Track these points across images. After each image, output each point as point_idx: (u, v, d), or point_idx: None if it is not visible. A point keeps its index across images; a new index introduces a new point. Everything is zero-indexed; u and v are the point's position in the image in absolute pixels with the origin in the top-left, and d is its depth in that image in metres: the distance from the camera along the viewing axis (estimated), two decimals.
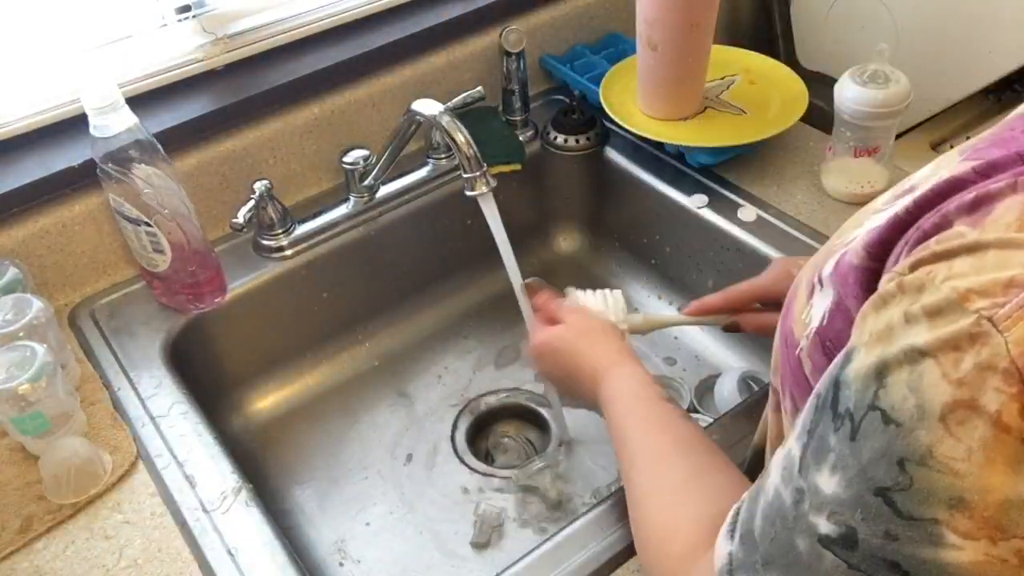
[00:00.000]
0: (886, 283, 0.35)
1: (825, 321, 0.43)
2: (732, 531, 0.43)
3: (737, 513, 0.43)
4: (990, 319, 0.30)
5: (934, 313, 0.31)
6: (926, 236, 0.35)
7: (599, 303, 0.73)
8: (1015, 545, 0.30)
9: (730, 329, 0.72)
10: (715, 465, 0.55)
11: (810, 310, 0.45)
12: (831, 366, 0.37)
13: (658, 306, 1.07)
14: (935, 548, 0.31)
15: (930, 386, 0.31)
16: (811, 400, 0.38)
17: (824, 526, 0.35)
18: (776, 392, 0.51)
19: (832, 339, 0.42)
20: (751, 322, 0.72)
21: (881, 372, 0.33)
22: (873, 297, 0.36)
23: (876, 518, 0.33)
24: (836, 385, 0.36)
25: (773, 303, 0.70)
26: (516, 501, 0.87)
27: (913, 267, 0.34)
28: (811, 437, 0.37)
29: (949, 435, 0.30)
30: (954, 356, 0.30)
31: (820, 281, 0.45)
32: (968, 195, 0.35)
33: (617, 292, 0.74)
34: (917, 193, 0.38)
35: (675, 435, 0.57)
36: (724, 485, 0.52)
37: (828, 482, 0.35)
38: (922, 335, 0.31)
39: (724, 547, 0.43)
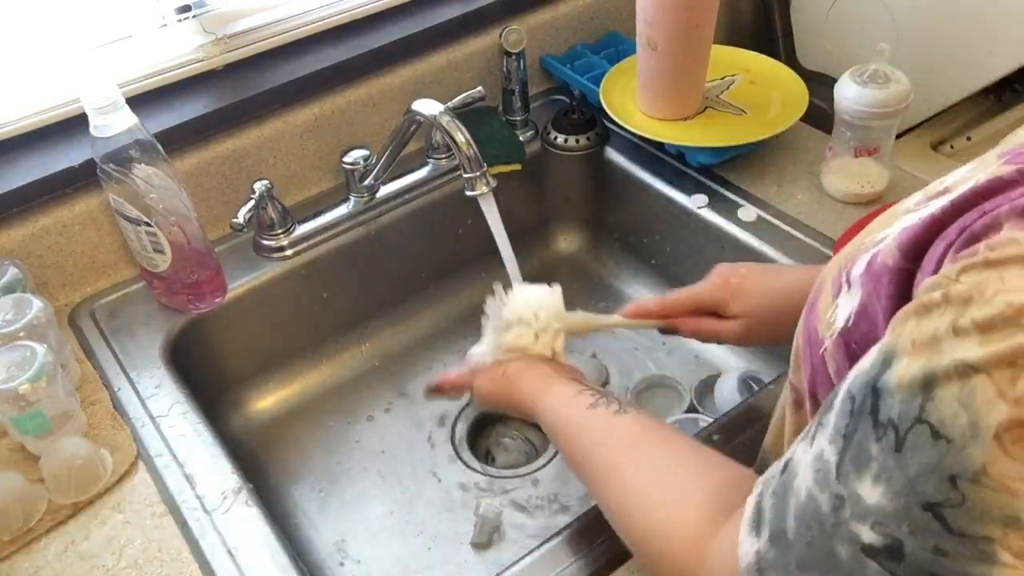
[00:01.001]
0: (929, 289, 0.34)
1: (851, 322, 0.42)
2: (756, 528, 0.42)
3: (759, 509, 0.42)
4: None
5: (986, 328, 0.31)
6: (975, 238, 0.34)
7: (535, 296, 0.70)
8: None
9: (667, 331, 0.73)
10: (680, 447, 0.54)
11: (835, 310, 0.44)
12: (862, 367, 0.36)
13: None
14: (987, 566, 0.31)
15: (984, 403, 0.30)
16: (842, 402, 0.37)
17: (867, 535, 0.35)
18: (796, 390, 0.51)
19: (857, 341, 0.41)
20: (689, 326, 0.72)
21: (928, 384, 0.32)
22: (915, 303, 0.35)
23: (924, 532, 0.32)
24: (875, 392, 0.35)
25: (709, 310, 0.71)
26: (516, 501, 0.87)
27: (961, 273, 0.33)
28: (848, 443, 0.36)
29: (1004, 454, 0.30)
30: (1011, 373, 0.30)
31: (848, 281, 0.44)
32: (1022, 199, 0.33)
33: (557, 288, 0.71)
34: (955, 194, 0.38)
35: (624, 436, 0.57)
36: (700, 465, 0.52)
37: (871, 492, 0.34)
38: (974, 350, 0.31)
39: (749, 544, 0.42)
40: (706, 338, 0.73)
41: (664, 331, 0.73)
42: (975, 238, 0.34)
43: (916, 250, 0.38)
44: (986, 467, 0.30)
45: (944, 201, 0.38)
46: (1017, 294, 0.30)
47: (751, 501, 0.43)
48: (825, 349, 0.45)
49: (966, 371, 0.31)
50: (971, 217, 0.35)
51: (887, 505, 0.34)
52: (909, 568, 0.33)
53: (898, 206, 0.46)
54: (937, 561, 0.32)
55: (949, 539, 0.32)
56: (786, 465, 0.41)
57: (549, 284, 0.71)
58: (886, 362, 0.35)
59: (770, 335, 0.70)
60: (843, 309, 0.43)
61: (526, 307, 0.69)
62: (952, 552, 0.32)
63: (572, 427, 0.60)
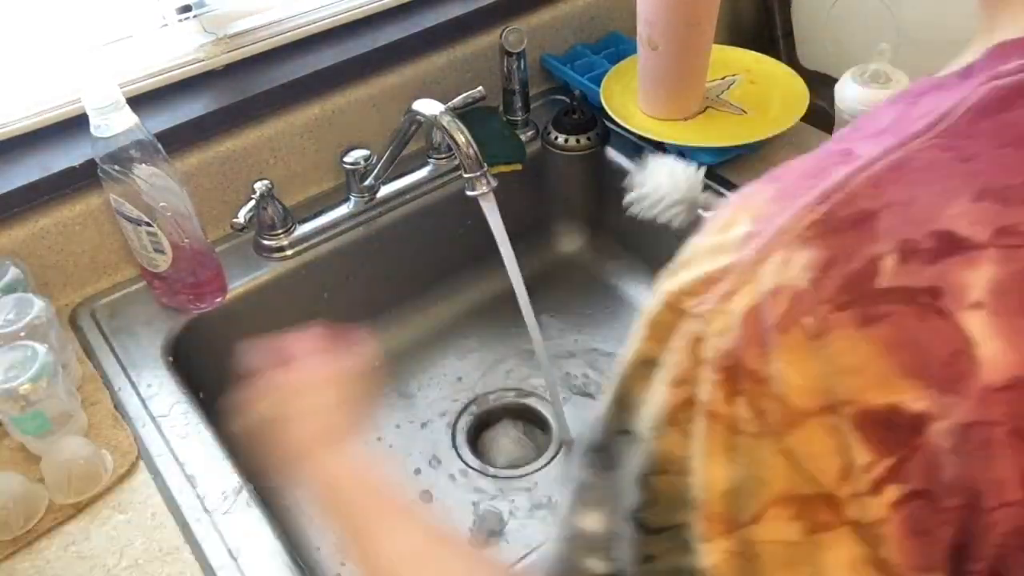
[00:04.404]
0: None
1: None
2: None
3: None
4: (697, 315, 0.30)
5: (656, 323, 0.31)
6: None
7: (676, 169, 0.77)
8: (741, 535, 0.29)
9: None
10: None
11: None
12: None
13: None
14: (687, 555, 0.30)
15: (659, 393, 0.30)
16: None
17: (599, 567, 0.34)
18: None
19: None
20: None
21: (625, 392, 0.32)
22: None
23: (633, 543, 0.32)
24: (592, 426, 0.35)
25: None
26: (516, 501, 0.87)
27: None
28: (576, 482, 0.36)
29: (681, 435, 0.30)
30: (675, 359, 0.30)
31: None
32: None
33: (699, 168, 0.77)
34: None
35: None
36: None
37: (591, 521, 0.34)
38: (647, 344, 0.31)
39: None
40: None
41: None
42: None
43: None
44: (667, 454, 0.30)
45: None
46: (673, 285, 0.32)
47: None
48: None
49: (643, 368, 0.31)
50: None
51: (601, 529, 0.33)
52: None
53: None
54: (651, 568, 0.31)
55: (651, 540, 0.31)
56: None
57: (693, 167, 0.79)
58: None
59: None
60: None
61: (664, 178, 0.76)
62: (658, 552, 0.31)
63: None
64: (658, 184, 0.75)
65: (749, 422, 0.28)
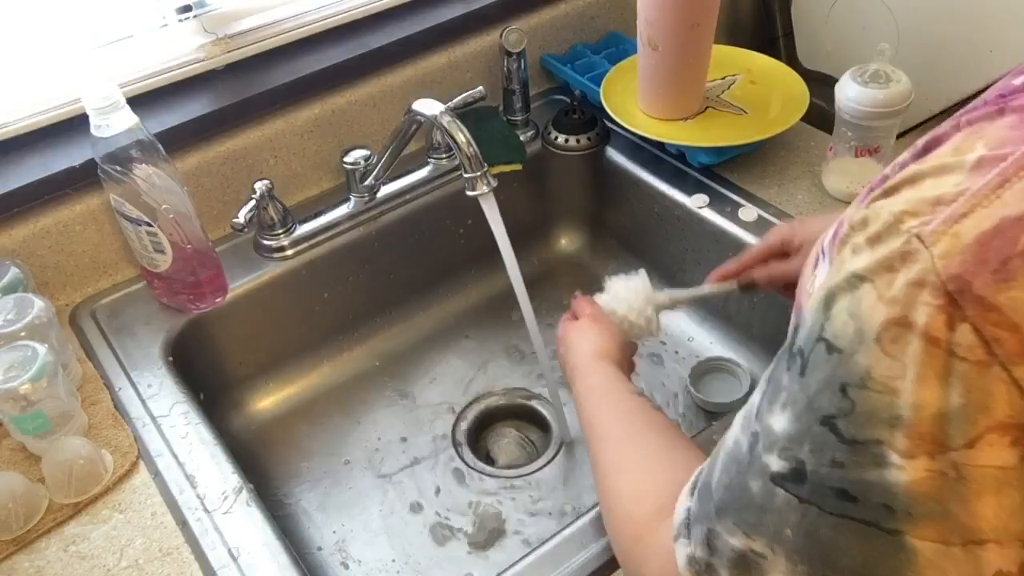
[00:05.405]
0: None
1: None
2: (693, 489, 0.43)
3: (699, 473, 0.44)
4: (919, 236, 0.30)
5: (875, 239, 0.32)
6: (884, 179, 0.35)
7: (622, 288, 0.77)
8: (951, 458, 0.30)
9: (747, 287, 0.74)
10: (682, 443, 0.56)
11: (814, 281, 0.45)
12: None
13: None
14: (879, 469, 0.32)
15: (867, 309, 0.31)
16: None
17: (775, 464, 0.35)
18: None
19: None
20: (762, 273, 0.74)
21: (828, 303, 0.33)
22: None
23: (822, 448, 0.33)
24: (795, 329, 0.36)
25: (777, 253, 0.73)
26: (516, 501, 0.87)
27: (868, 206, 0.34)
28: (769, 383, 0.37)
29: (885, 355, 0.30)
30: (888, 277, 0.31)
31: (823, 251, 0.45)
32: (920, 141, 0.35)
33: (642, 273, 0.78)
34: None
35: (644, 419, 0.59)
36: (691, 459, 0.53)
37: (779, 420, 0.35)
38: (862, 261, 0.32)
39: (683, 503, 0.44)
40: (779, 280, 0.73)
41: (743, 288, 0.75)
42: (885, 179, 0.35)
43: None
44: (869, 370, 0.31)
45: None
46: (898, 204, 0.32)
47: (696, 471, 0.45)
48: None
49: (855, 282, 0.32)
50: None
51: (791, 429, 0.35)
52: (811, 487, 0.34)
53: None
54: (835, 473, 0.33)
55: (843, 449, 0.32)
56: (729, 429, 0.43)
57: (628, 272, 0.79)
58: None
59: None
60: (818, 280, 0.44)
61: (616, 300, 0.76)
62: (847, 462, 0.32)
63: (612, 397, 0.63)
64: (619, 301, 0.77)
65: (972, 349, 0.28)
